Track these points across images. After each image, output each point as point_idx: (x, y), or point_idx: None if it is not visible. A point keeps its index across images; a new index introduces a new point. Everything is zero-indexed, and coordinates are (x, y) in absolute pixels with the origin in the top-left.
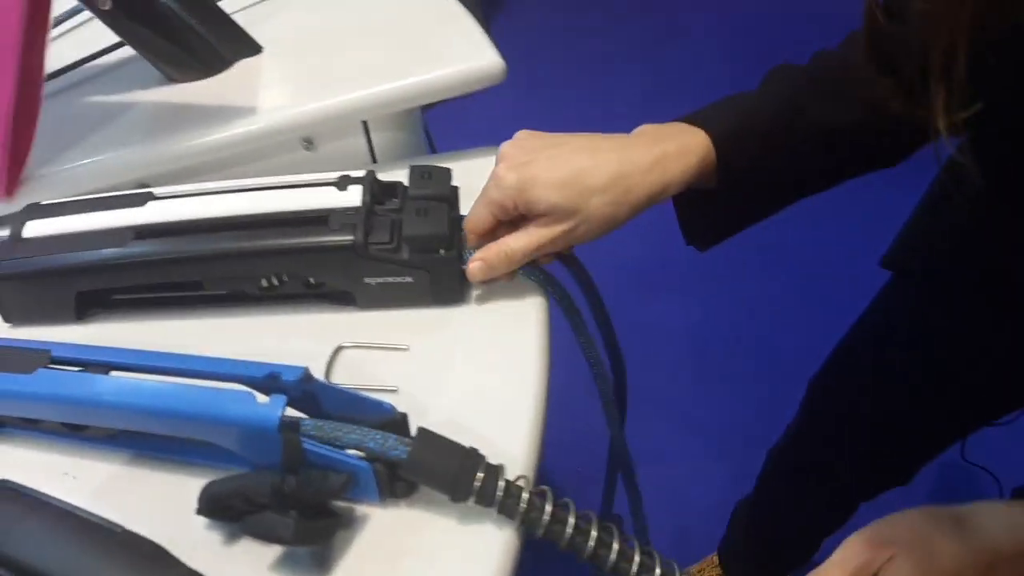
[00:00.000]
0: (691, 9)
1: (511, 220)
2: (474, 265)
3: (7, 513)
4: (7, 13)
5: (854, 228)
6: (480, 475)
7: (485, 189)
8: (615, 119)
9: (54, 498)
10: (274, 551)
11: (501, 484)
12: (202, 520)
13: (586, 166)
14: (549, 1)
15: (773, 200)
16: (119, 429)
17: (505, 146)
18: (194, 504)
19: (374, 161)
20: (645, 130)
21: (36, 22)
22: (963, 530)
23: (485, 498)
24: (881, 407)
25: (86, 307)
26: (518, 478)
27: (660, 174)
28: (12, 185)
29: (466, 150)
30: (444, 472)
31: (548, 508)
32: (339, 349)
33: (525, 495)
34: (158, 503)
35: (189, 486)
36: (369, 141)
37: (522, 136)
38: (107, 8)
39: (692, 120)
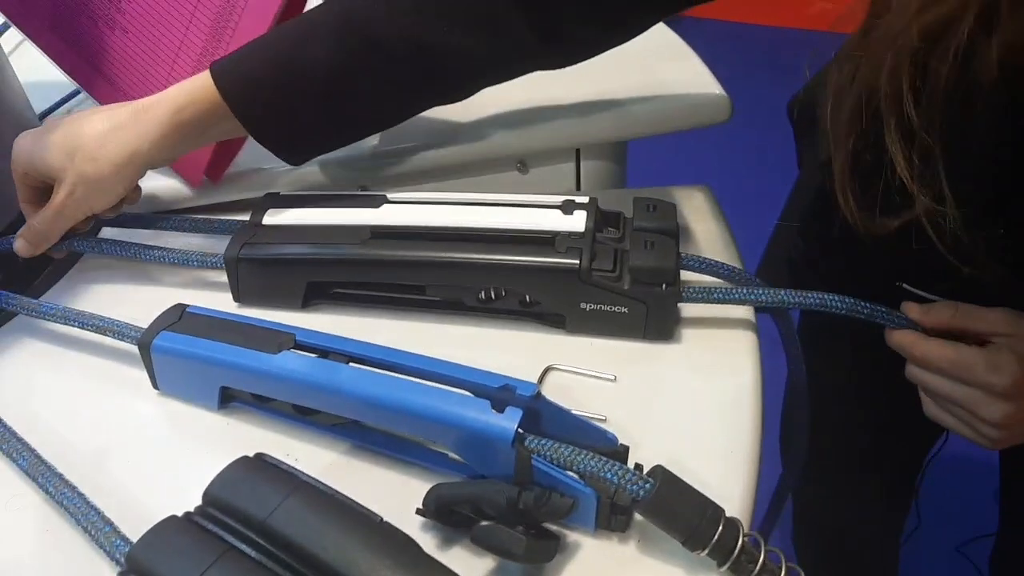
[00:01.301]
0: None
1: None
2: (17, 243)
3: (270, 489)
4: None
5: None
6: (720, 529)
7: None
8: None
9: (311, 476)
10: (485, 563)
11: (740, 542)
12: (417, 520)
13: (79, 126)
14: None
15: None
16: (347, 418)
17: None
18: (409, 501)
19: (578, 188)
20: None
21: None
22: None
23: (721, 554)
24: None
25: (310, 296)
26: (746, 535)
27: (135, 125)
28: (218, 172)
29: (665, 186)
30: (683, 518)
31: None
32: (548, 369)
33: (761, 557)
34: (373, 497)
35: (403, 483)
36: (578, 168)
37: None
38: None
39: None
